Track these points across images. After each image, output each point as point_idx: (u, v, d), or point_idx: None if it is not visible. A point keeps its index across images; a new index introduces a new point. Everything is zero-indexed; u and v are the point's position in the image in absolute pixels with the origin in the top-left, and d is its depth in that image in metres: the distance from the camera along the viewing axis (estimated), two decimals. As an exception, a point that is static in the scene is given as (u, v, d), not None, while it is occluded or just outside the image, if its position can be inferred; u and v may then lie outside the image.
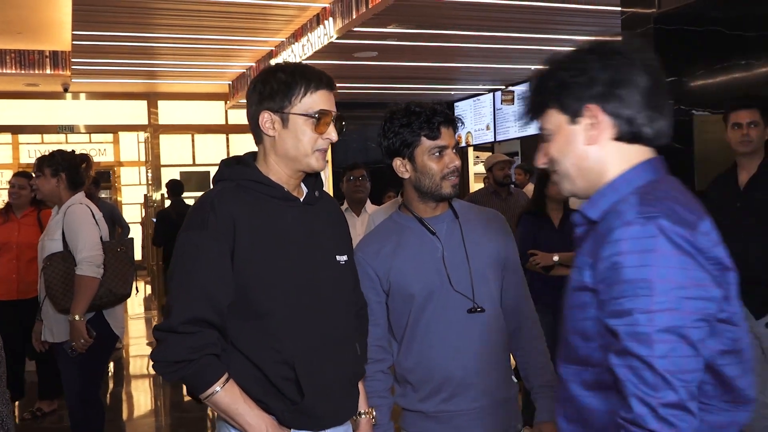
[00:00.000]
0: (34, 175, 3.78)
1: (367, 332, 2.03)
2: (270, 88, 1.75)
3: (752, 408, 1.31)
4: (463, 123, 2.15)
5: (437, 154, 1.99)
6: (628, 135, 1.30)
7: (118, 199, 13.62)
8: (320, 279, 1.81)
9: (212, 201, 1.73)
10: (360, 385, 1.96)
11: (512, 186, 5.99)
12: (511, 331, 2.15)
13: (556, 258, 4.16)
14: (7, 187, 5.17)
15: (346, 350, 1.85)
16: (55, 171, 3.64)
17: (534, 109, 1.38)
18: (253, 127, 1.80)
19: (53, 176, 3.64)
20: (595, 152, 1.32)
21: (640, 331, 1.16)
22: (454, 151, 2.03)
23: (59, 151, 3.79)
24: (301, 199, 1.84)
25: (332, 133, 1.77)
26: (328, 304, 1.81)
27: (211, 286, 1.68)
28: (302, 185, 1.88)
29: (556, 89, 1.33)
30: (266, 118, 1.76)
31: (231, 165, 1.83)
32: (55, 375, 4.24)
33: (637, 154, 1.32)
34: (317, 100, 1.75)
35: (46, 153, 3.84)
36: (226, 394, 1.66)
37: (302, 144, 1.75)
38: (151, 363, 1.76)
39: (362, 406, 1.97)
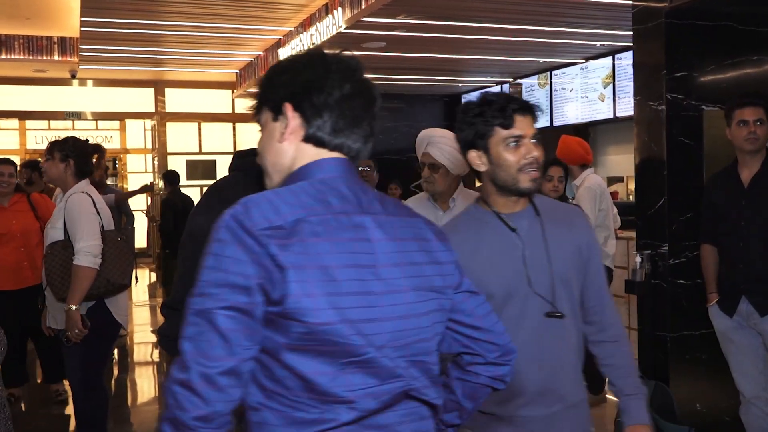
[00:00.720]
0: (43, 160, 3.79)
1: None
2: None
3: (353, 408, 1.24)
4: (542, 110, 2.03)
5: (513, 144, 1.88)
6: (313, 139, 1.33)
7: (124, 186, 13.63)
8: None
9: (219, 187, 1.84)
10: None
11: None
12: (593, 334, 2.06)
13: None
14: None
15: None
16: (65, 156, 3.66)
17: (255, 106, 1.41)
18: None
19: (62, 161, 3.66)
20: (286, 150, 1.35)
21: (185, 314, 1.22)
22: (534, 141, 1.91)
23: (73, 137, 3.82)
24: None
25: None
26: None
27: None
28: None
29: (264, 85, 1.39)
30: None
31: (243, 156, 1.91)
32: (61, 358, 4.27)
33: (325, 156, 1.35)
34: None
35: (54, 138, 3.85)
36: None
37: None
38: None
39: None
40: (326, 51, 1.39)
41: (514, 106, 1.88)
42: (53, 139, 3.85)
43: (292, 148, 1.35)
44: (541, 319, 1.93)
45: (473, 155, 1.95)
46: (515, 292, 1.92)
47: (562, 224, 2.00)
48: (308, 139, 1.34)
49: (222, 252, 1.20)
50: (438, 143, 3.24)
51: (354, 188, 1.33)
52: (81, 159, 3.70)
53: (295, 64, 1.37)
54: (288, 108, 1.34)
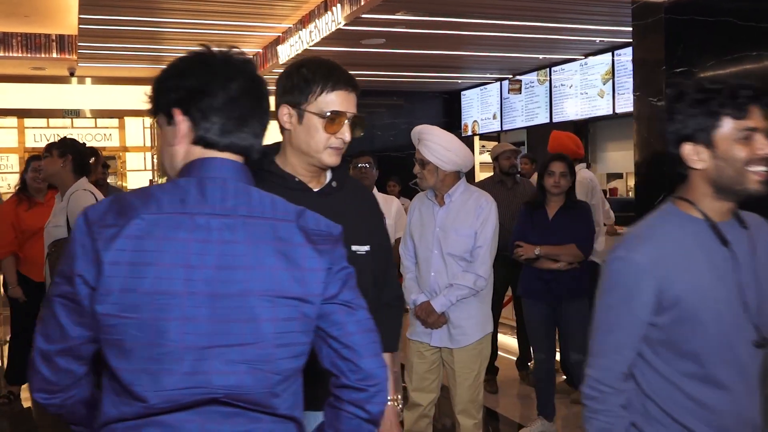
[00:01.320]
0: (42, 157, 3.84)
1: (391, 325, 2.02)
2: (291, 82, 1.81)
3: (144, 407, 1.25)
4: None
5: (745, 137, 1.60)
6: (202, 141, 1.36)
7: (124, 184, 13.63)
8: None
9: None
10: None
11: (518, 175, 5.97)
12: None
13: (537, 251, 4.13)
14: (16, 170, 5.16)
15: None
16: (63, 152, 3.70)
17: (152, 109, 1.43)
18: (277, 118, 1.84)
19: (60, 157, 3.69)
20: (179, 153, 1.38)
21: None
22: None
23: (70, 138, 3.87)
24: (316, 190, 1.87)
25: (345, 133, 1.80)
26: None
27: None
28: (327, 175, 1.92)
29: (155, 90, 1.40)
30: (284, 112, 1.82)
31: None
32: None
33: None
34: (333, 100, 1.78)
35: (53, 136, 3.89)
36: None
37: (314, 141, 1.80)
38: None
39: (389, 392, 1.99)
40: (214, 50, 1.41)
41: (747, 93, 1.61)
42: (51, 139, 3.90)
43: (182, 150, 1.38)
44: (750, 348, 1.68)
45: (688, 150, 1.67)
46: (729, 316, 1.66)
47: (760, 238, 1.75)
48: (197, 141, 1.36)
49: (68, 247, 1.29)
50: (426, 140, 3.28)
51: (213, 189, 1.32)
52: (78, 156, 3.74)
53: (182, 68, 1.38)
54: (177, 113, 1.36)
